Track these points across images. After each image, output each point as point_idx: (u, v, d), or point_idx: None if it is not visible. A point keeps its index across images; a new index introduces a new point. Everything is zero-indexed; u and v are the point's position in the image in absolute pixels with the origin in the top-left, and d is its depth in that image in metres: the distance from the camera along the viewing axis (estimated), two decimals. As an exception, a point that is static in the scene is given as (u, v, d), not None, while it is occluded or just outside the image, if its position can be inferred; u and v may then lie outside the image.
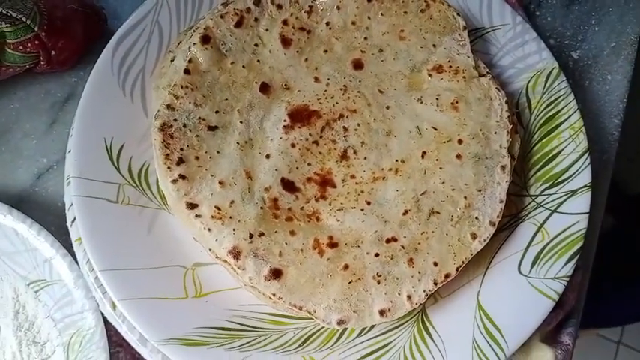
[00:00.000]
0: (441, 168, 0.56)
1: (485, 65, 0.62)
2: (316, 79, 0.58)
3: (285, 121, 0.55)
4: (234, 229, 0.50)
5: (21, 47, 0.61)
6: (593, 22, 0.75)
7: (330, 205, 0.53)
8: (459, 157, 0.56)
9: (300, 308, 0.50)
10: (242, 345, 0.51)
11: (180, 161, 0.51)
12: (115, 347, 0.57)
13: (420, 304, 0.52)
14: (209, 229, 0.50)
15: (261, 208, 0.52)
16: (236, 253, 0.50)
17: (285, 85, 0.57)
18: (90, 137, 0.55)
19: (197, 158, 0.52)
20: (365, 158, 0.55)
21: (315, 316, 0.50)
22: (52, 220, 0.61)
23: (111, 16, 0.69)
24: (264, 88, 0.56)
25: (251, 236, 0.50)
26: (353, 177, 0.55)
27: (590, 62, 0.73)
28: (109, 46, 0.59)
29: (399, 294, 0.51)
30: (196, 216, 0.50)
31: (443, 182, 0.55)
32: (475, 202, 0.55)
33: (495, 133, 0.58)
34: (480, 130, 0.58)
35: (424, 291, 0.51)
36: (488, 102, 0.59)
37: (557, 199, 0.59)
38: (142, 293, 0.51)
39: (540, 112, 0.63)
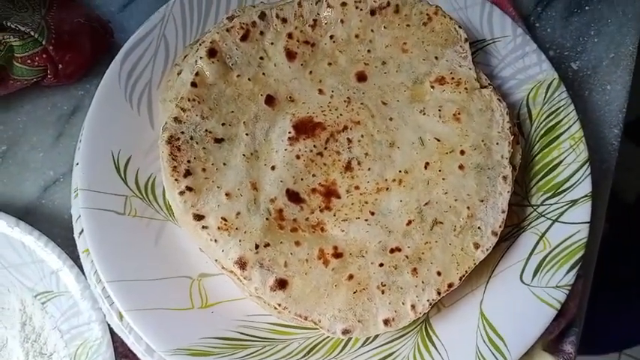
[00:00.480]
0: (443, 178, 0.56)
1: (487, 77, 0.63)
2: (320, 92, 0.58)
3: (290, 132, 0.56)
4: (240, 240, 0.51)
5: (29, 61, 0.62)
6: (592, 34, 0.76)
7: (334, 215, 0.54)
8: (461, 167, 0.57)
9: (306, 318, 0.50)
10: (248, 355, 0.52)
11: (188, 173, 0.52)
12: (121, 358, 0.58)
13: (424, 313, 0.52)
14: (215, 240, 0.51)
15: (267, 218, 0.52)
16: (242, 264, 0.50)
17: (290, 97, 0.58)
18: (97, 150, 0.56)
19: (204, 170, 0.53)
20: (369, 169, 0.56)
21: (320, 326, 0.50)
22: (59, 232, 0.61)
23: (117, 29, 0.70)
24: (270, 100, 0.57)
25: (257, 247, 0.51)
26: (357, 188, 0.56)
27: (589, 73, 0.74)
28: (117, 60, 0.59)
29: (403, 304, 0.51)
30: (203, 227, 0.51)
31: (446, 192, 0.56)
32: (478, 212, 0.55)
33: (497, 143, 0.59)
34: (482, 140, 0.58)
35: (428, 300, 0.52)
36: (490, 113, 0.60)
37: (558, 208, 0.60)
38: (149, 304, 0.52)
39: (541, 123, 0.64)
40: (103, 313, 0.57)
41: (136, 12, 0.72)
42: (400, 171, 0.57)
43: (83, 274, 0.57)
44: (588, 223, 0.59)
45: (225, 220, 0.51)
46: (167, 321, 0.52)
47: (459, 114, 0.59)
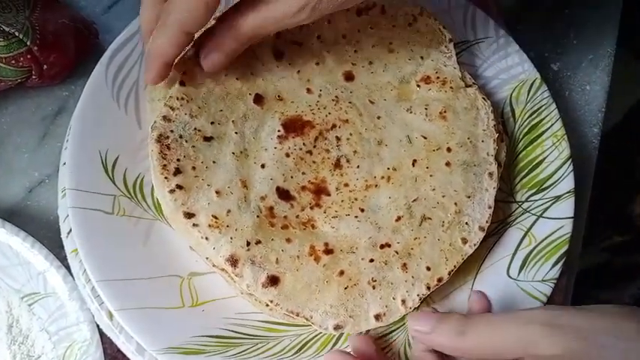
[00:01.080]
0: (431, 175, 0.57)
1: (471, 76, 0.64)
2: (309, 91, 0.59)
3: (279, 131, 0.56)
4: (231, 238, 0.51)
5: (13, 61, 0.61)
6: (571, 36, 0.78)
7: (324, 212, 0.55)
8: (448, 164, 0.58)
9: (297, 314, 0.50)
10: (240, 353, 0.52)
11: (177, 171, 0.52)
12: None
13: (414, 308, 0.53)
14: (207, 238, 0.51)
15: (258, 216, 0.53)
16: (234, 261, 0.50)
17: (279, 96, 0.58)
18: (85, 149, 0.56)
19: (194, 168, 0.53)
20: (358, 167, 0.57)
21: (312, 322, 0.51)
22: (45, 234, 0.61)
23: (102, 31, 0.70)
24: (258, 99, 0.57)
25: (248, 244, 0.51)
26: (346, 185, 0.56)
27: (569, 74, 0.76)
28: (103, 59, 0.59)
29: (394, 299, 0.52)
30: (194, 225, 0.51)
31: (433, 189, 0.57)
32: (465, 208, 0.56)
33: (482, 141, 0.60)
34: (468, 138, 0.59)
35: (418, 295, 0.52)
36: (475, 111, 0.61)
37: (542, 204, 0.61)
38: (139, 303, 0.52)
39: (524, 121, 0.65)
40: (91, 314, 0.56)
41: (122, 13, 0.72)
42: (388, 168, 0.57)
43: (71, 275, 0.57)
44: (572, 218, 0.60)
45: (216, 217, 0.51)
46: (158, 320, 0.51)
47: (444, 112, 0.60)
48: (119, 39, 0.61)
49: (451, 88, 0.61)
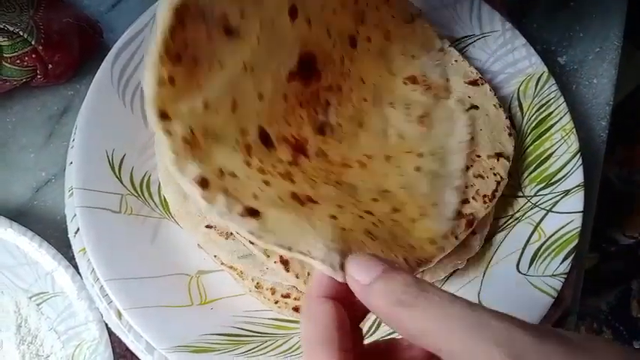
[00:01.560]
0: (401, 175, 0.54)
1: (478, 71, 0.63)
2: (328, 33, 0.54)
3: (294, 66, 0.51)
4: (201, 160, 0.38)
5: (18, 61, 0.61)
6: (577, 29, 0.77)
7: (302, 172, 0.48)
8: (417, 169, 0.55)
9: (290, 249, 0.37)
10: (249, 350, 0.52)
11: (178, 58, 0.39)
12: (118, 358, 0.57)
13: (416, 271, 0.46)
14: (177, 153, 0.37)
15: (234, 148, 0.42)
16: (203, 182, 0.37)
17: (307, 18, 0.50)
18: (91, 148, 0.56)
19: (195, 61, 0.40)
20: (339, 142, 0.54)
21: (312, 256, 0.37)
22: (52, 233, 0.61)
23: (106, 29, 0.69)
24: (293, 11, 0.49)
25: (222, 173, 0.39)
26: (325, 155, 0.52)
27: (576, 67, 0.75)
28: (109, 58, 0.59)
29: (396, 256, 0.44)
30: (167, 132, 0.37)
31: (402, 188, 0.53)
32: (430, 214, 0.52)
33: (454, 154, 0.57)
34: (440, 149, 0.57)
35: (419, 258, 0.46)
36: (452, 124, 0.59)
37: (551, 198, 0.61)
38: (148, 302, 0.51)
39: (532, 115, 0.65)
40: (100, 313, 0.56)
41: (126, 11, 0.71)
42: (365, 155, 0.54)
43: (79, 274, 0.57)
44: (581, 212, 0.60)
45: (193, 132, 0.39)
46: (167, 318, 0.51)
47: (423, 117, 0.58)
48: (124, 37, 0.61)
49: (434, 95, 0.60)
